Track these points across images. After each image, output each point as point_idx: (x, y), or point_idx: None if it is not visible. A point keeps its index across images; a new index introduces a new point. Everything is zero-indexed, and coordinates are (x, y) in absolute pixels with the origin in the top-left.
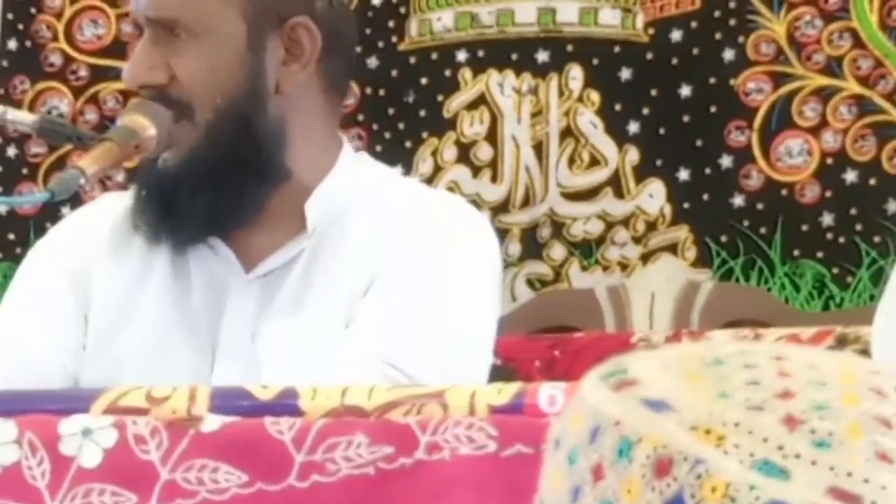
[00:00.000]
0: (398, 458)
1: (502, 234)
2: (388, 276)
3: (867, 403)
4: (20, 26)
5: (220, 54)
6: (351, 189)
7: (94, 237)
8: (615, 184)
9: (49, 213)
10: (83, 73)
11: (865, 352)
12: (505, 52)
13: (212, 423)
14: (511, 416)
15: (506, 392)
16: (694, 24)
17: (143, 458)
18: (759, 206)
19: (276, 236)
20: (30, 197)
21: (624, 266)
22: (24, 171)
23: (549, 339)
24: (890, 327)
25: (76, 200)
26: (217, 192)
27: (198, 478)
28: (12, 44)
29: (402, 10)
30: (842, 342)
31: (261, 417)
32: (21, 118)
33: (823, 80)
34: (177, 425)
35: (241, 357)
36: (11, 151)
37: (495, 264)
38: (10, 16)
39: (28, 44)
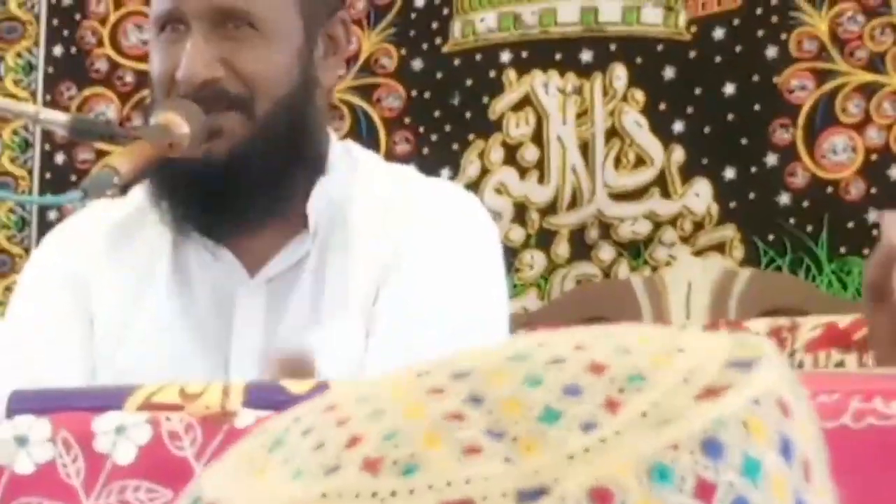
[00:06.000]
0: None
1: (551, 235)
2: (397, 279)
3: (430, 407)
4: (65, 32)
5: (282, 48)
6: (348, 184)
7: (89, 245)
8: (661, 183)
9: None
10: (129, 78)
11: None
12: (548, 52)
13: (246, 417)
14: None
15: None
16: (736, 22)
17: (177, 455)
18: (805, 203)
19: (275, 237)
20: (62, 197)
21: (672, 266)
22: (73, 177)
23: None
24: None
25: None
26: (276, 184)
27: None
28: (58, 50)
29: (445, 11)
30: None
31: None
32: (54, 118)
33: (867, 76)
34: (211, 421)
35: (255, 366)
36: (59, 158)
37: (496, 246)
38: (55, 22)
39: (73, 50)
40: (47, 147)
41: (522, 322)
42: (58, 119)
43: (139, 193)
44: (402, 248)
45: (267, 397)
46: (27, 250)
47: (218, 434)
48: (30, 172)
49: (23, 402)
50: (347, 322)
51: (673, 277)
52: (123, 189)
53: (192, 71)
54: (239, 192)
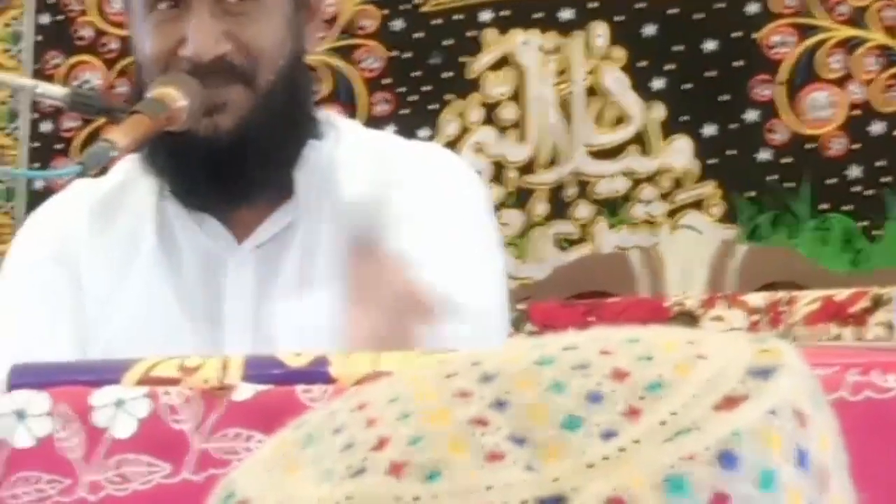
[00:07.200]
0: None
1: (528, 193)
2: (392, 241)
3: (455, 412)
4: (51, 0)
5: (278, 18)
6: (332, 151)
7: (75, 221)
8: (641, 141)
9: None
10: (114, 45)
11: None
12: (529, 10)
13: (244, 391)
14: None
15: None
16: None
17: (175, 428)
18: (786, 160)
19: (261, 205)
20: (61, 171)
21: (650, 223)
22: (59, 146)
23: (584, 304)
24: None
25: None
26: (277, 154)
27: (231, 447)
28: (44, 18)
29: None
30: (877, 303)
31: (292, 385)
32: (52, 92)
33: (848, 32)
34: (209, 395)
35: (247, 333)
36: (45, 126)
37: (486, 205)
38: None
39: (60, 18)
40: (35, 116)
41: (524, 296)
42: (56, 93)
43: (122, 169)
44: (391, 214)
45: (265, 371)
46: (14, 220)
47: (217, 408)
48: (16, 142)
49: (22, 376)
50: (337, 290)
51: (670, 251)
52: (103, 168)
53: (201, 48)
54: (245, 163)
